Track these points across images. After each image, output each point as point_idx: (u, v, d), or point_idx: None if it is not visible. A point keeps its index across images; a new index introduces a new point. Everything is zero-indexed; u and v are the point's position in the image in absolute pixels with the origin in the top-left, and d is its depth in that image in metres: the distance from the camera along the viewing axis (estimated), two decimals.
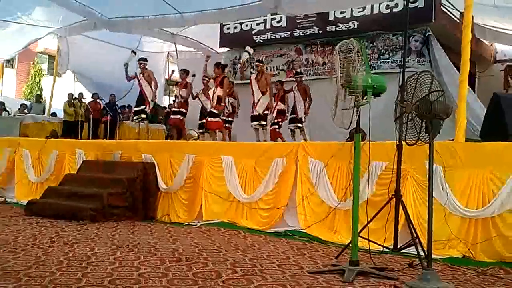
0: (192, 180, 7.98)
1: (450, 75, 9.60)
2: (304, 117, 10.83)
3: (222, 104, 10.31)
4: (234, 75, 13.05)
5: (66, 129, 14.16)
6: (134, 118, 11.95)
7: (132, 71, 11.65)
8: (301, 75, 11.10)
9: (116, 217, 7.72)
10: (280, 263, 5.02)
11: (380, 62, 11.23)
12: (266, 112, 10.46)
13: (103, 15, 12.15)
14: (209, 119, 10.30)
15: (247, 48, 11.20)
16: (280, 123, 10.69)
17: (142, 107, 11.59)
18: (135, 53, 12.15)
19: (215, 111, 10.25)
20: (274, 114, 10.70)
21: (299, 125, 10.79)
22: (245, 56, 11.03)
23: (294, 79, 11.10)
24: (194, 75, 11.41)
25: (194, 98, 11.50)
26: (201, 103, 11.11)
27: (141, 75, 11.47)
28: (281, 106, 10.75)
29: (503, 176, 5.46)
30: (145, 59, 11.75)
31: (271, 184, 7.19)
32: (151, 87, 11.60)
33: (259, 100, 10.34)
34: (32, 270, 4.39)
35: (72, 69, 15.77)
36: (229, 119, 11.34)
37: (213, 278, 4.32)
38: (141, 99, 11.61)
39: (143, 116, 11.62)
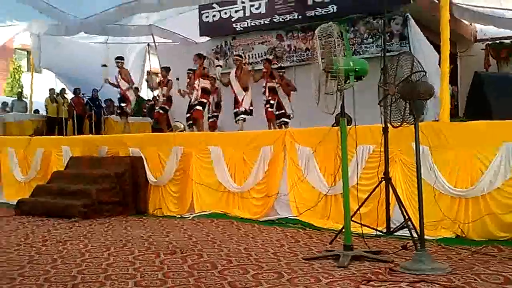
0: (182, 172, 7.99)
1: (428, 56, 9.63)
2: (292, 113, 10.73)
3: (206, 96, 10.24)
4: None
5: (50, 125, 14.03)
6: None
7: (112, 75, 11.44)
8: (283, 70, 10.95)
9: (107, 213, 7.71)
10: (275, 251, 5.06)
11: (365, 47, 11.25)
12: (251, 108, 10.40)
13: (76, 17, 12.02)
14: (196, 107, 10.23)
15: (218, 62, 11.15)
16: (272, 102, 10.57)
17: (121, 104, 11.54)
18: (106, 66, 11.88)
19: (202, 100, 10.14)
20: (267, 93, 10.56)
21: (287, 120, 10.73)
22: (218, 70, 10.92)
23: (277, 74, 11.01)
24: (177, 78, 11.24)
25: (182, 96, 11.23)
26: (189, 98, 10.93)
27: (119, 75, 11.32)
28: (271, 83, 10.65)
29: (489, 154, 5.55)
30: (121, 58, 11.61)
31: (261, 173, 7.22)
32: (129, 85, 11.53)
33: (243, 98, 10.28)
34: (26, 270, 4.38)
35: (44, 67, 15.56)
36: (214, 114, 11.27)
37: (208, 269, 4.35)
38: (122, 98, 11.54)
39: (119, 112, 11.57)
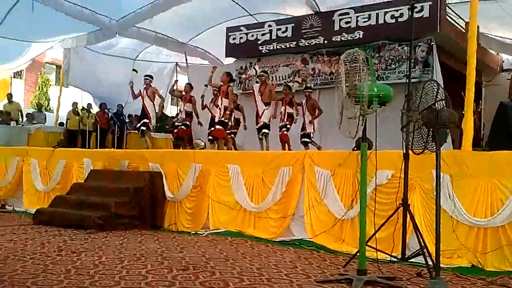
0: (199, 189, 8.01)
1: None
2: (313, 132, 10.77)
3: (227, 112, 10.32)
4: (239, 85, 13.07)
5: (70, 138, 14.25)
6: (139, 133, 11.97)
7: (137, 88, 11.60)
8: (310, 90, 11.08)
9: (123, 226, 7.74)
10: (288, 272, 5.02)
11: (388, 73, 11.22)
12: (269, 123, 10.47)
13: (111, 19, 12.34)
14: (216, 127, 10.30)
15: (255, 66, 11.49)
16: (288, 126, 10.67)
17: (144, 120, 11.58)
18: (136, 71, 12.11)
19: (223, 119, 10.24)
20: (285, 118, 10.65)
21: (307, 140, 10.74)
22: (252, 71, 11.07)
23: (303, 94, 11.10)
24: (206, 85, 11.43)
25: (203, 108, 11.50)
26: (211, 113, 11.12)
27: (145, 91, 11.47)
28: (289, 109, 10.73)
29: (510, 184, 5.46)
30: (151, 76, 11.75)
31: (279, 193, 7.20)
32: (153, 103, 11.61)
33: (263, 112, 10.37)
34: (40, 279, 4.40)
35: (72, 84, 15.91)
36: (233, 131, 11.38)
37: (220, 287, 4.33)
38: (143, 114, 11.61)
39: (143, 128, 11.57)
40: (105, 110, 14.70)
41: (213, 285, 4.38)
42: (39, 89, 24.62)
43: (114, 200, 7.96)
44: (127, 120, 15.18)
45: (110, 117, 14.52)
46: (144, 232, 7.63)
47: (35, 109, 17.85)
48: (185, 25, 13.90)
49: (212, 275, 4.77)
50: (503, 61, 13.78)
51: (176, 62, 16.99)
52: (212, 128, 10.44)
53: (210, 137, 10.79)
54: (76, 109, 15.03)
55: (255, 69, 11.33)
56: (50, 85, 25.01)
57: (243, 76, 12.85)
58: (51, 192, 9.77)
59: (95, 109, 15.57)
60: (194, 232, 7.70)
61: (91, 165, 9.53)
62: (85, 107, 15.48)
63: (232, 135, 11.37)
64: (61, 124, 15.50)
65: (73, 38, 13.94)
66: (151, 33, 13.94)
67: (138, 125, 11.81)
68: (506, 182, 5.49)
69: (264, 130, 10.34)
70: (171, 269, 4.99)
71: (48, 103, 23.68)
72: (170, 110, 18.37)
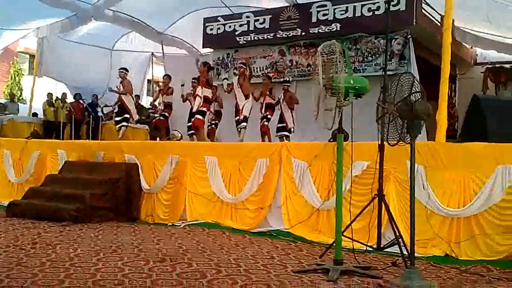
0: (175, 180, 7.97)
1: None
2: (293, 127, 10.79)
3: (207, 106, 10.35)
4: (217, 76, 13.02)
5: (47, 129, 14.04)
6: (116, 127, 11.86)
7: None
8: (288, 84, 11.09)
9: (99, 218, 7.67)
10: (265, 262, 5.04)
11: (365, 65, 11.29)
12: (248, 116, 10.48)
13: (86, 3, 12.17)
14: (196, 116, 10.26)
15: (224, 75, 11.77)
16: (269, 116, 10.67)
17: (125, 115, 11.56)
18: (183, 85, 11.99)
19: (202, 109, 10.24)
20: (263, 109, 10.68)
21: (287, 134, 10.75)
22: (225, 83, 11.10)
23: (281, 87, 11.09)
24: (183, 85, 11.37)
25: (184, 101, 11.44)
26: (191, 105, 11.07)
27: (121, 84, 11.43)
28: (268, 99, 10.72)
29: (483, 176, 5.57)
30: (126, 69, 11.74)
31: (256, 185, 7.22)
32: (132, 97, 11.64)
33: (243, 106, 10.34)
34: (14, 272, 4.35)
35: (46, 74, 15.61)
36: (214, 122, 11.39)
37: (197, 278, 4.33)
38: (123, 109, 11.59)
39: (124, 123, 11.57)
40: (80, 100, 14.50)
41: (190, 276, 4.38)
42: (11, 78, 24.11)
43: (89, 192, 7.88)
44: (103, 111, 14.98)
45: (85, 108, 14.33)
46: (120, 224, 7.58)
47: (8, 99, 17.47)
48: (161, 11, 13.74)
49: (189, 267, 4.77)
50: (477, 55, 13.96)
51: (152, 52, 16.85)
52: (192, 119, 10.40)
53: (189, 132, 10.73)
54: (51, 100, 14.78)
55: (226, 79, 11.36)
56: (23, 74, 24.51)
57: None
58: (25, 184, 9.62)
59: (70, 99, 15.32)
60: (171, 224, 7.68)
61: (65, 156, 9.40)
62: (59, 97, 15.22)
63: (213, 126, 11.33)
64: (34, 114, 15.23)
65: (47, 25, 13.64)
66: (127, 17, 13.72)
67: (117, 119, 11.71)
68: (479, 173, 5.61)
69: (243, 124, 10.31)
70: (147, 261, 4.97)
71: (21, 93, 23.22)
72: (146, 101, 18.21)
